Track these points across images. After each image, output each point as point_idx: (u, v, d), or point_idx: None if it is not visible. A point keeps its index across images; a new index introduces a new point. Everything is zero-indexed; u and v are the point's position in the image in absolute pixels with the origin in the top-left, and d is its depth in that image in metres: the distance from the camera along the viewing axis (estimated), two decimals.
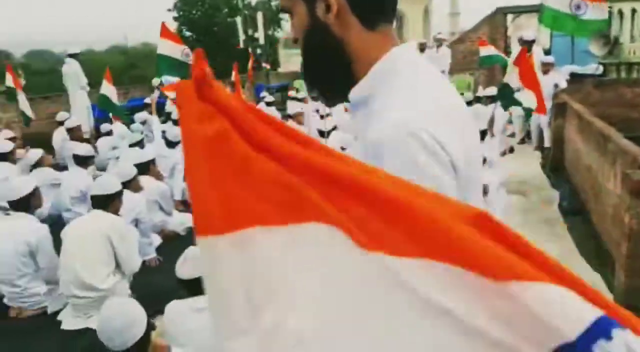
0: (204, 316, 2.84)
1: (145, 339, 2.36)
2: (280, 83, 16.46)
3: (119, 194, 4.18)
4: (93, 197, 4.13)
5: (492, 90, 9.17)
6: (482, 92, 10.65)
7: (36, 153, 6.50)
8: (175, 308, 2.93)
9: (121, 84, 16.73)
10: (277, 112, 11.75)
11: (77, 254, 3.84)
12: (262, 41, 19.85)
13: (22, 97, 9.09)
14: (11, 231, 4.02)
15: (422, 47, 13.95)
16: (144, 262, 4.96)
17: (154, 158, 5.91)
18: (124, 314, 2.38)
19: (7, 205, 4.24)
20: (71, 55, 10.39)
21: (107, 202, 4.08)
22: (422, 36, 17.83)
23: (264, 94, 13.43)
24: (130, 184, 5.02)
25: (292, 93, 13.20)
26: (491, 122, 7.70)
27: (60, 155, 8.67)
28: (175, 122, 8.73)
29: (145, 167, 5.64)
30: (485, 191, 4.96)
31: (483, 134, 7.00)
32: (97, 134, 9.18)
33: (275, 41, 28.76)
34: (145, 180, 5.47)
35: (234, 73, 11.64)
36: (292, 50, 17.29)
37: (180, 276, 2.89)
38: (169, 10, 33.26)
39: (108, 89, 8.85)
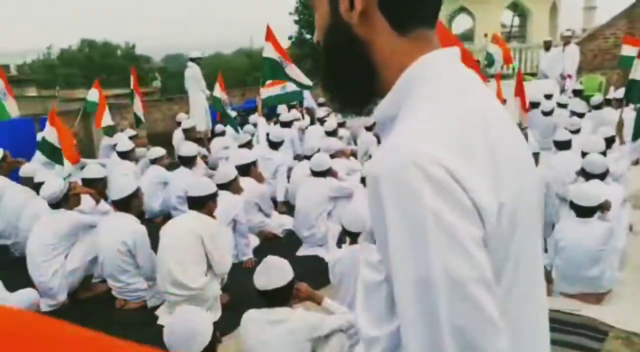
0: (279, 329, 2.77)
1: (209, 349, 2.33)
2: None
3: (213, 196, 4.26)
4: (189, 198, 4.25)
5: (623, 92, 8.26)
6: (612, 93, 9.65)
7: (155, 152, 6.88)
8: (252, 317, 2.89)
9: (244, 86, 17.46)
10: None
11: (171, 252, 3.97)
12: None
13: (137, 101, 9.67)
14: (113, 230, 4.27)
15: (547, 46, 13.05)
16: (240, 263, 5.05)
17: (255, 160, 6.01)
18: (190, 323, 2.37)
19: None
20: (192, 59, 10.94)
21: (201, 204, 4.18)
22: (548, 34, 16.61)
23: None
24: (231, 186, 5.14)
25: None
26: (620, 126, 6.92)
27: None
28: (282, 124, 8.86)
29: (247, 169, 5.75)
30: (606, 207, 4.41)
31: (610, 141, 6.31)
32: (212, 135, 9.60)
33: None
34: (246, 181, 5.57)
35: None
36: None
37: (257, 286, 2.84)
38: (290, 13, 34.25)
39: (219, 93, 9.21)
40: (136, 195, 4.42)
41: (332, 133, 8.10)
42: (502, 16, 18.03)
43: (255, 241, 5.56)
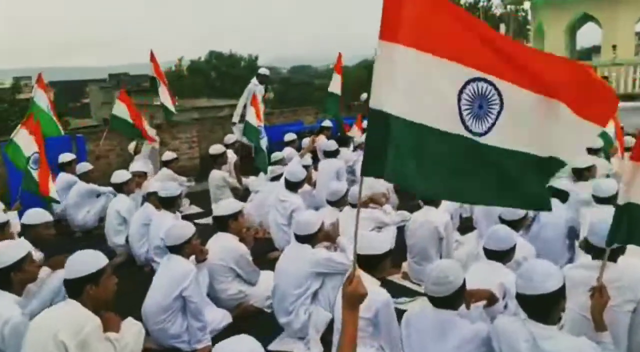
0: None
1: None
2: None
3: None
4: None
5: None
6: None
7: (152, 186, 5.89)
8: None
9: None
10: None
11: None
12: None
13: (162, 90, 8.98)
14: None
15: None
16: None
17: (238, 211, 4.67)
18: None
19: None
20: (258, 76, 10.02)
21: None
22: None
23: None
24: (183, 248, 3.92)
25: None
26: None
27: None
28: (326, 154, 7.54)
29: (225, 222, 4.49)
30: None
31: None
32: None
33: None
34: (221, 239, 4.36)
35: None
36: None
37: None
38: None
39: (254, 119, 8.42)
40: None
41: None
42: (637, 24, 14.91)
43: (225, 319, 4.25)
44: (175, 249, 3.96)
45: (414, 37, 2.09)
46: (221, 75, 50.56)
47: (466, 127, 2.18)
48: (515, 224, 4.24)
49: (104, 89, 36.77)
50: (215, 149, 7.57)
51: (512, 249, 3.70)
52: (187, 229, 4.03)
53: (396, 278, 5.23)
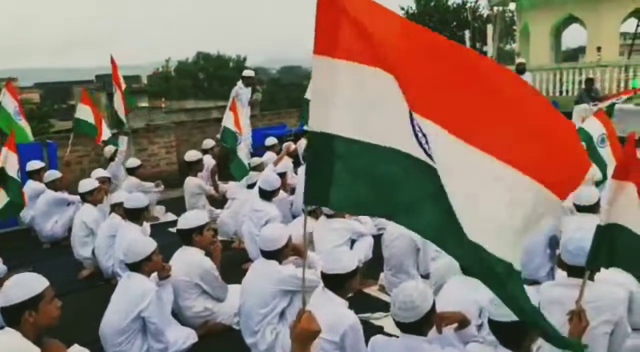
0: None
1: None
2: None
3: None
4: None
5: None
6: None
7: (117, 196, 5.65)
8: None
9: None
10: None
11: None
12: (490, 55, 18.29)
13: (117, 98, 8.59)
14: None
15: None
16: None
17: (205, 223, 4.46)
18: None
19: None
20: (243, 79, 9.84)
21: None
22: None
23: None
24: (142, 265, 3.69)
25: None
26: None
27: None
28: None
29: (189, 236, 4.27)
30: None
31: None
32: None
33: (508, 55, 26.08)
34: (186, 253, 4.13)
35: None
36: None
37: None
38: None
39: (231, 124, 8.31)
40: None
41: None
42: (621, 25, 14.80)
43: (190, 338, 4.03)
44: (134, 267, 3.74)
45: (356, 50, 1.87)
46: (209, 76, 50.18)
47: (420, 144, 1.87)
48: None
49: (89, 91, 36.27)
50: (191, 155, 7.33)
51: None
52: (147, 246, 3.81)
53: (372, 290, 5.04)
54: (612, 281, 3.23)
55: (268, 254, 3.79)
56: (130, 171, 7.42)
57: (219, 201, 7.37)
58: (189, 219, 4.29)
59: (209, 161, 7.96)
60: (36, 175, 6.87)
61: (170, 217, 7.85)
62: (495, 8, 19.24)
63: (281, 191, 6.05)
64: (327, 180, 1.92)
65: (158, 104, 30.34)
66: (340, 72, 1.89)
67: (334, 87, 1.90)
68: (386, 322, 4.27)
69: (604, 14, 13.51)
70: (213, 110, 25.62)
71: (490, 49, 19.02)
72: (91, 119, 7.64)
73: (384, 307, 4.71)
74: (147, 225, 5.28)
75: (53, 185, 6.65)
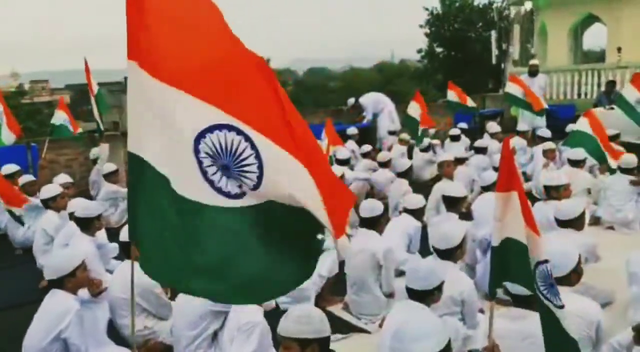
0: None
1: None
2: (494, 109, 13.23)
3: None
4: None
5: None
6: None
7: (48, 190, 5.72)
8: None
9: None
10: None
11: None
12: (516, 56, 17.81)
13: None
14: None
15: None
16: None
17: None
18: None
19: None
20: None
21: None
22: None
23: (461, 125, 10.76)
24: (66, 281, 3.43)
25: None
26: None
27: None
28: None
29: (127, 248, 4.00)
30: None
31: None
32: None
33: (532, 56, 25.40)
34: (124, 268, 3.85)
35: None
36: (520, 69, 14.15)
37: None
38: (421, 26, 32.16)
39: None
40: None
41: None
42: None
43: None
44: (56, 284, 3.49)
45: (159, 67, 1.58)
46: None
47: (217, 189, 1.65)
48: (449, 254, 3.70)
49: (112, 93, 36.74)
50: None
51: (437, 289, 3.17)
52: (70, 260, 3.55)
53: (336, 309, 4.70)
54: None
55: None
56: (106, 177, 7.23)
57: None
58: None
59: None
60: (11, 179, 6.73)
61: None
62: (519, 8, 18.60)
63: None
64: (139, 214, 1.63)
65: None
66: (148, 87, 1.60)
67: (148, 105, 1.61)
68: (339, 345, 3.94)
69: (625, 12, 12.78)
70: None
71: (516, 49, 18.47)
72: (67, 123, 7.51)
73: (344, 328, 4.39)
74: (101, 235, 5.04)
75: (28, 190, 6.50)
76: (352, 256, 4.42)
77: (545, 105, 10.26)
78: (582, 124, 6.71)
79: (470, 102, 10.83)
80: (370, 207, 4.48)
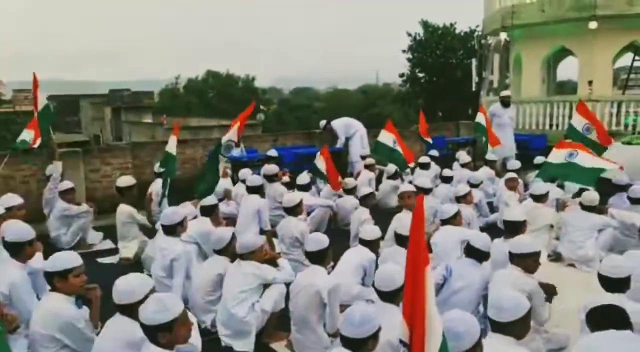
0: None
1: None
2: (467, 137, 13.16)
3: None
4: None
5: None
6: None
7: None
8: None
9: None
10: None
11: None
12: (495, 85, 18.34)
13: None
14: None
15: None
16: None
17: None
18: None
19: None
20: None
21: None
22: None
23: (432, 152, 10.66)
24: None
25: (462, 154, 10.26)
26: None
27: None
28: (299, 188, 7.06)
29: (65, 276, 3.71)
30: None
31: None
32: None
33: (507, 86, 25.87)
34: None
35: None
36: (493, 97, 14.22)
37: None
38: (404, 51, 32.44)
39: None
40: None
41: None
42: (616, 59, 14.16)
43: None
44: None
45: None
46: (218, 94, 50.19)
47: None
48: (392, 297, 3.53)
49: (95, 105, 36.32)
50: (124, 181, 6.85)
51: (373, 337, 2.97)
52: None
53: (279, 346, 4.48)
54: None
55: (122, 309, 3.27)
56: (62, 195, 6.97)
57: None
58: (56, 261, 3.76)
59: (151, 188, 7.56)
60: None
61: (108, 244, 7.39)
62: (497, 37, 18.83)
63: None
64: None
65: (160, 121, 30.14)
66: None
67: None
68: None
69: (596, 46, 12.93)
70: (215, 129, 25.30)
71: (495, 78, 18.66)
72: (30, 138, 7.27)
73: None
74: (37, 259, 4.74)
75: None
76: (296, 292, 4.21)
77: (501, 143, 10.33)
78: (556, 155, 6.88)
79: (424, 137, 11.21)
80: (315, 241, 4.28)
